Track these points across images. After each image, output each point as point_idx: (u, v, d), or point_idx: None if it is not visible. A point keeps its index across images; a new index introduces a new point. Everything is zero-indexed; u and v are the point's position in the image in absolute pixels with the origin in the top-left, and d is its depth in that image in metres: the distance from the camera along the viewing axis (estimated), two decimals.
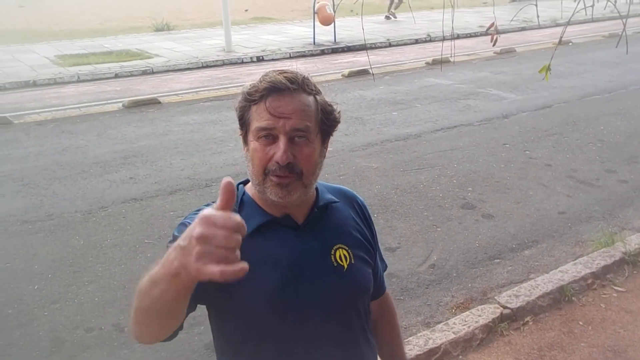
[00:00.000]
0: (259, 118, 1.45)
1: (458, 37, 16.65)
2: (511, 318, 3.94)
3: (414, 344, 3.59)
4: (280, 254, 1.48)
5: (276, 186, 1.44)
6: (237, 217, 1.03)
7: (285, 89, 1.44)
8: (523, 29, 18.15)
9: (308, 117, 1.46)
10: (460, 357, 3.62)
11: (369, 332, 1.66)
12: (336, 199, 1.63)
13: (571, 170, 6.66)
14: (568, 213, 5.62)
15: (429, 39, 16.23)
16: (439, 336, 3.67)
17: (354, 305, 1.59)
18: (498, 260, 4.81)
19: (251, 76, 12.25)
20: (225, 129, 8.43)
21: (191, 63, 13.58)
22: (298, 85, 1.46)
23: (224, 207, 1.04)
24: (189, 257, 1.02)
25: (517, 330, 3.86)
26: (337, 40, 15.67)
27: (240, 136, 1.55)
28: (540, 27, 18.06)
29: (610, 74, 11.54)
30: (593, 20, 18.27)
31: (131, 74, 12.70)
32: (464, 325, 3.79)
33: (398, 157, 6.97)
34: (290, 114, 1.43)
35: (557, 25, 18.71)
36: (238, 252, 1.02)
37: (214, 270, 0.98)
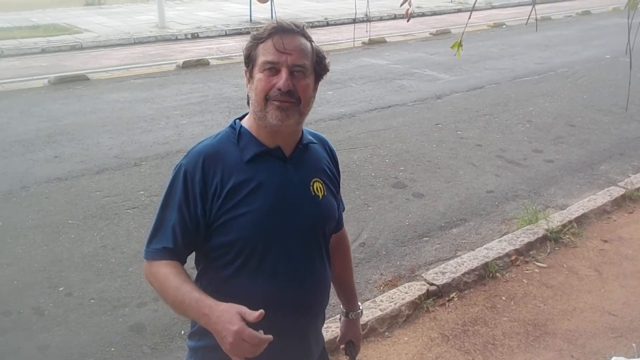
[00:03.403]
0: (266, 53, 1.67)
1: (395, 17, 16.74)
2: (437, 294, 3.99)
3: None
4: (271, 181, 1.71)
5: (277, 109, 1.66)
6: (261, 337, 1.46)
7: (290, 30, 1.70)
8: (459, 10, 18.42)
9: (306, 56, 1.71)
10: (387, 333, 3.64)
11: (327, 256, 1.91)
12: (315, 141, 1.90)
13: (500, 150, 6.80)
14: (496, 192, 5.73)
15: (367, 19, 16.21)
16: (366, 313, 3.68)
17: (323, 230, 1.86)
18: (427, 239, 4.87)
19: (185, 53, 12.06)
20: (157, 107, 8.21)
21: (122, 39, 13.19)
22: (300, 29, 1.72)
23: (254, 322, 1.46)
24: (219, 340, 1.49)
25: (442, 306, 3.92)
26: (274, 19, 15.50)
27: (245, 73, 1.76)
28: (475, 9, 18.36)
29: (540, 57, 11.83)
30: (526, 4, 18.73)
31: (59, 49, 12.24)
32: (391, 302, 3.82)
33: (331, 136, 6.94)
34: (292, 50, 1.67)
35: (492, 7, 19.09)
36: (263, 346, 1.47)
37: None
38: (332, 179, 1.92)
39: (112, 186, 5.66)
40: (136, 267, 4.28)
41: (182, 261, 1.72)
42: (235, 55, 11.83)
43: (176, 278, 1.60)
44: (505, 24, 15.83)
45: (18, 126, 7.35)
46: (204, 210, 1.66)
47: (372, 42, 13.01)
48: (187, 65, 10.77)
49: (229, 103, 8.33)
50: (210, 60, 11.25)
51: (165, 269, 1.64)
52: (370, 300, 3.90)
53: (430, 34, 14.43)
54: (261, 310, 1.46)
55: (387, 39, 13.62)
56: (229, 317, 1.45)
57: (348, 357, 2.24)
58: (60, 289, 4.08)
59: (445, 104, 8.62)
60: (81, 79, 9.77)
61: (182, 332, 3.62)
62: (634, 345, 3.37)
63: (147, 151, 6.55)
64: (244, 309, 1.47)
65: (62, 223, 4.96)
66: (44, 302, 3.93)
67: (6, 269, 4.31)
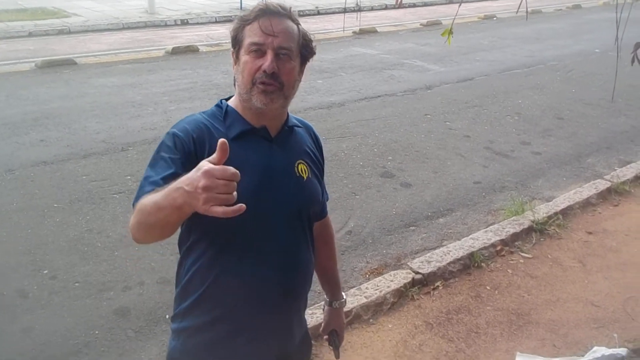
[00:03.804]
0: (252, 35, 1.67)
1: (386, 7, 16.71)
2: (422, 283, 4.01)
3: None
4: (257, 160, 1.70)
5: (262, 93, 1.65)
6: (232, 169, 1.28)
7: (277, 12, 1.69)
8: (450, 1, 18.41)
9: (292, 39, 1.69)
10: (371, 320, 3.66)
11: (311, 241, 1.89)
12: (300, 125, 1.90)
13: (488, 142, 6.82)
14: (483, 183, 5.75)
15: (358, 8, 16.18)
16: (351, 300, 3.69)
17: (307, 212, 1.84)
18: (413, 228, 4.89)
19: (174, 39, 11.97)
20: (145, 92, 8.16)
21: (111, 24, 13.08)
22: (287, 12, 1.71)
23: (220, 161, 1.30)
24: (195, 201, 1.29)
25: (427, 294, 3.94)
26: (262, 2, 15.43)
27: (232, 55, 1.76)
28: (466, 0, 18.36)
29: (530, 49, 11.86)
30: None
31: (46, 33, 12.13)
32: (376, 289, 3.83)
33: (321, 125, 6.91)
34: (279, 33, 1.66)
35: None
36: (235, 194, 1.28)
37: (218, 210, 1.28)
38: (317, 164, 1.91)
39: (99, 171, 5.63)
40: (122, 251, 4.27)
41: None
42: (225, 43, 11.75)
43: (154, 192, 1.45)
44: (496, 16, 15.84)
45: (4, 109, 7.28)
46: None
47: (362, 32, 12.99)
48: (177, 51, 10.69)
49: (218, 90, 8.28)
50: (199, 47, 11.19)
51: (146, 196, 1.48)
52: (356, 288, 3.91)
53: (421, 24, 14.42)
54: (223, 140, 1.31)
55: (378, 29, 13.61)
56: (197, 168, 1.31)
57: (332, 347, 2.24)
58: (45, 272, 4.05)
59: (435, 94, 8.62)
60: (69, 63, 9.68)
61: (167, 316, 3.61)
62: (615, 335, 3.42)
63: (134, 136, 6.51)
64: (210, 158, 1.33)
65: (48, 206, 4.93)
66: (28, 285, 3.91)
67: None
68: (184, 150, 1.62)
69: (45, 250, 4.31)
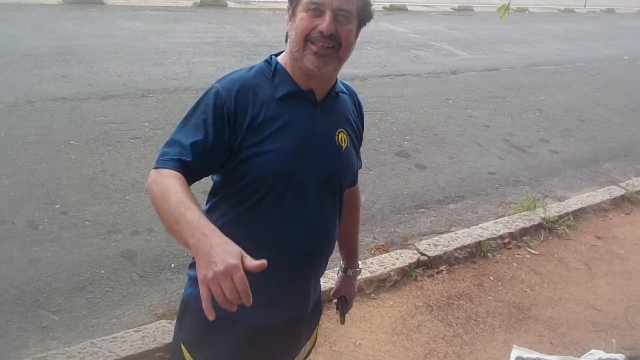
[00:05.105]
0: None
1: None
2: (427, 265, 4.02)
3: (329, 277, 3.61)
4: (299, 123, 1.68)
5: (314, 55, 1.61)
6: (248, 292, 1.27)
7: None
8: None
9: (352, 1, 1.63)
10: (373, 295, 3.68)
11: (339, 209, 1.89)
12: (346, 91, 1.86)
13: (507, 134, 6.78)
14: (497, 174, 5.74)
15: None
16: None
17: (340, 182, 1.83)
18: (423, 210, 4.89)
19: None
20: (170, 41, 8.12)
21: None
22: None
23: (251, 269, 1.29)
24: (203, 263, 1.30)
25: (430, 277, 3.96)
26: None
27: (287, 11, 1.69)
28: None
29: (559, 48, 11.73)
30: None
31: None
32: (381, 266, 3.85)
33: None
34: None
35: None
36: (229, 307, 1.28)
37: (204, 301, 1.28)
38: (356, 132, 1.89)
39: (117, 113, 5.62)
40: (133, 196, 4.27)
41: (190, 183, 1.57)
42: (254, 1, 11.67)
43: (184, 192, 1.45)
44: (528, 10, 15.64)
45: (29, 40, 7.26)
46: (230, 136, 1.60)
47: (392, 8, 12.89)
48: (205, 3, 10.64)
49: (242, 48, 8.23)
50: (228, 2, 11.11)
51: (174, 180, 1.49)
52: (361, 261, 3.91)
53: (452, 8, 14.27)
54: (263, 261, 1.32)
55: (409, 7, 13.47)
56: (232, 249, 1.30)
57: (339, 312, 2.26)
58: (57, 206, 4.08)
59: (459, 80, 8.56)
60: (96, 2, 9.65)
61: (173, 265, 3.65)
62: (613, 341, 3.43)
63: (155, 84, 6.49)
64: (245, 254, 1.32)
65: (64, 142, 4.93)
66: (39, 217, 3.93)
67: (4, 179, 4.29)
68: (223, 111, 1.60)
69: (58, 185, 4.33)
